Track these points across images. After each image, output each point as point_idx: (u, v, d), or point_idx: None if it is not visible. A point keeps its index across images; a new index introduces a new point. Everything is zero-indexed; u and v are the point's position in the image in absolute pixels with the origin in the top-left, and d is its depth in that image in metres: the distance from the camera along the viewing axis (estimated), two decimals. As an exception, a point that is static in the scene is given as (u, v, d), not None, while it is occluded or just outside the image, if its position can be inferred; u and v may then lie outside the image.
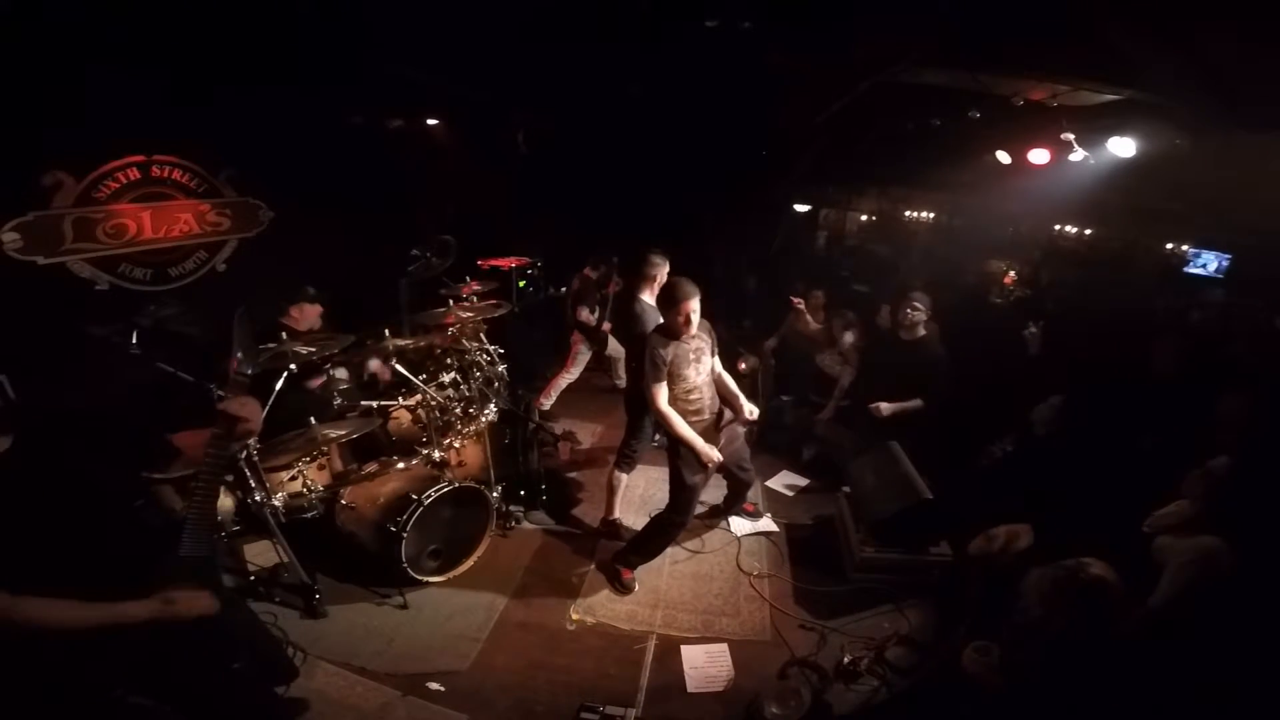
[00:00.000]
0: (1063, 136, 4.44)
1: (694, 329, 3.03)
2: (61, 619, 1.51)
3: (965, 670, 2.44)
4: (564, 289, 5.85)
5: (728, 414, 3.38)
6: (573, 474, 4.60)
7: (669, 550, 3.64)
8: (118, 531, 1.73)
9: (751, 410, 3.29)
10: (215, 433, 1.77)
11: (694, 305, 2.94)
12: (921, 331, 4.05)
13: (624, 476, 3.72)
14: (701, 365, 3.14)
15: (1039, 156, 4.91)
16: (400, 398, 3.66)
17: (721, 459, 3.16)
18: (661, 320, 3.10)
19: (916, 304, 4.01)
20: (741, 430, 3.49)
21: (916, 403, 3.99)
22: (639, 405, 3.57)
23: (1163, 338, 3.56)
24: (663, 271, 3.64)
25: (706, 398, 3.18)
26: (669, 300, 2.97)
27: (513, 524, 3.85)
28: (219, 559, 1.86)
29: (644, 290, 3.63)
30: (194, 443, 1.84)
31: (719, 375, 3.36)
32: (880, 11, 3.49)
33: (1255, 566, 2.12)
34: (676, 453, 3.15)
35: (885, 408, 3.99)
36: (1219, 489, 2.31)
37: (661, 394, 3.02)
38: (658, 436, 3.77)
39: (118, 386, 3.46)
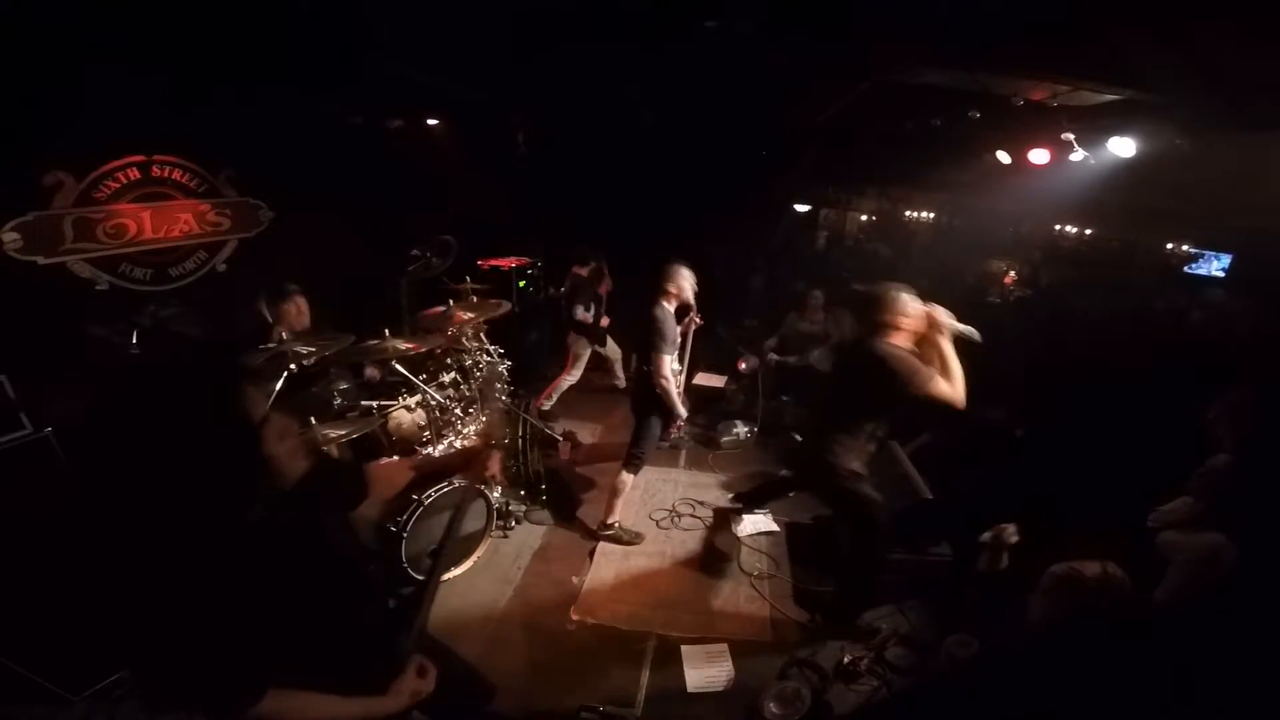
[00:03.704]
0: (1063, 136, 4.43)
1: None
2: (323, 717, 1.31)
3: (943, 662, 2.45)
4: (563, 289, 5.86)
5: None
6: (573, 474, 4.60)
7: (669, 551, 3.69)
8: (359, 601, 1.51)
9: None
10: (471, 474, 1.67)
11: None
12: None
13: (630, 478, 3.72)
14: None
15: (1039, 156, 4.90)
16: (400, 398, 3.67)
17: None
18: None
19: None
20: None
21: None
22: (647, 408, 3.62)
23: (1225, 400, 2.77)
24: (689, 285, 3.60)
25: None
26: None
27: (513, 524, 3.85)
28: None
29: (666, 299, 3.56)
30: (386, 474, 1.69)
31: None
32: (880, 12, 3.48)
33: (1256, 563, 2.13)
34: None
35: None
36: (1221, 486, 2.32)
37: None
38: (663, 440, 3.97)
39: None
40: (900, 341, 2.71)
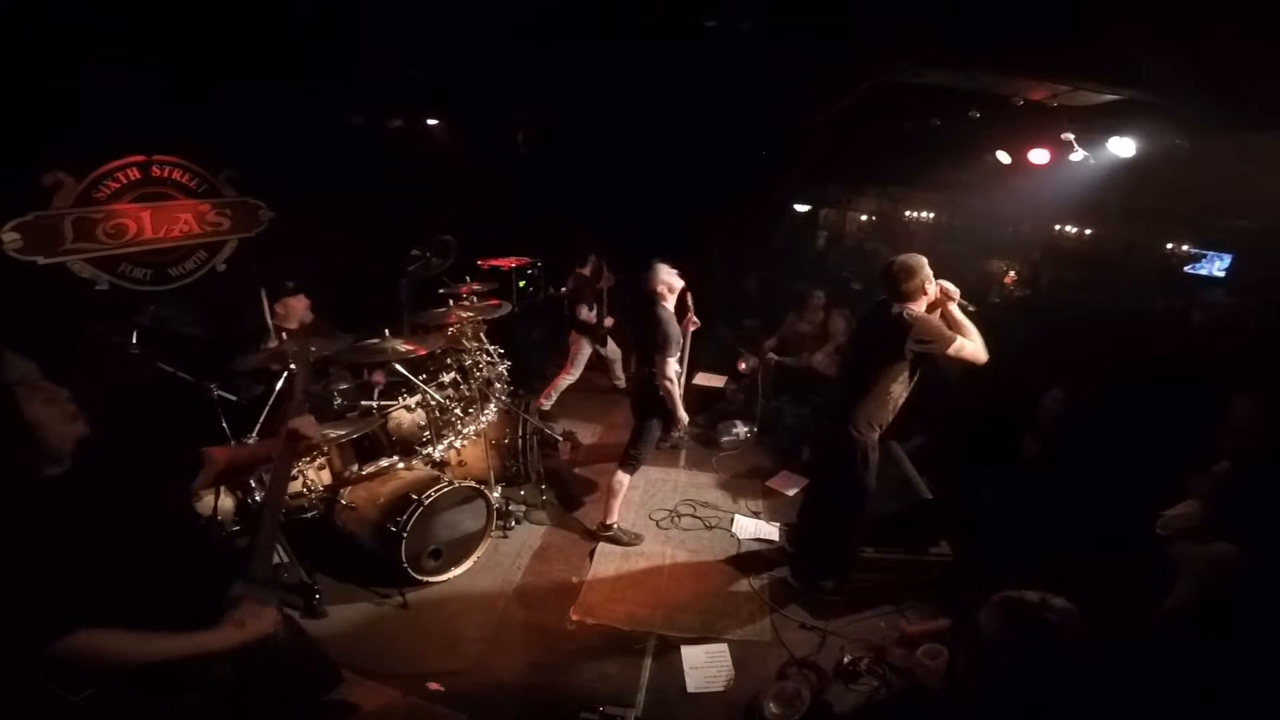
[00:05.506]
0: (1063, 136, 4.43)
1: None
2: (145, 653, 1.41)
3: (914, 672, 2.45)
4: (564, 289, 5.87)
5: None
6: (573, 474, 4.60)
7: (669, 551, 3.69)
8: (187, 554, 1.64)
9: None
10: (281, 452, 1.77)
11: None
12: None
13: (627, 478, 3.73)
14: None
15: (1039, 156, 4.89)
16: (400, 398, 3.67)
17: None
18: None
19: None
20: None
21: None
22: (647, 409, 3.63)
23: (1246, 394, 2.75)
24: (674, 278, 3.61)
25: None
26: None
27: (513, 524, 3.85)
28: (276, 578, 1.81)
29: (662, 300, 3.58)
30: (224, 455, 1.81)
31: None
32: (880, 11, 3.48)
33: (1263, 570, 2.11)
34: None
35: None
36: (1229, 493, 2.30)
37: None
38: (664, 441, 3.98)
39: (118, 386, 3.46)
40: (920, 308, 2.94)
